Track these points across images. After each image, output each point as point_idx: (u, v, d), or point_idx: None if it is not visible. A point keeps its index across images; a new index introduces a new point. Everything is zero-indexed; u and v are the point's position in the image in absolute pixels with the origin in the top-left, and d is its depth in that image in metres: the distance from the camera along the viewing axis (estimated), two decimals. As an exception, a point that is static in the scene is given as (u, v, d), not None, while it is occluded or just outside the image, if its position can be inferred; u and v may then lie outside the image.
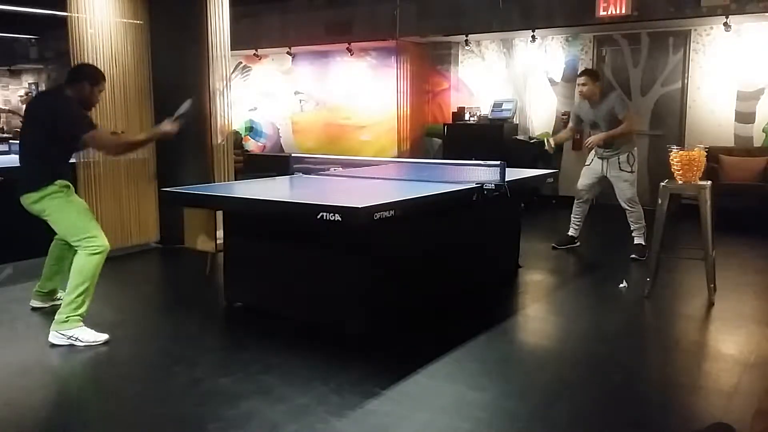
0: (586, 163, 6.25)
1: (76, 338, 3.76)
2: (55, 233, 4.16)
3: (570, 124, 6.44)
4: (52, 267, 4.33)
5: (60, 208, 3.89)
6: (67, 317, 3.77)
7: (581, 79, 5.99)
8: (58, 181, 3.90)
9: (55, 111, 3.88)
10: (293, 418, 2.88)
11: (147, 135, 4.54)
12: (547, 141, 6.21)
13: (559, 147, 8.75)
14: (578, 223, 6.28)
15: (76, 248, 3.88)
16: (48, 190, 3.86)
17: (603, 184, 6.16)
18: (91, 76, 4.07)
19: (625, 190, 5.95)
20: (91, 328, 3.82)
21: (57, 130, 3.86)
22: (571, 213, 6.34)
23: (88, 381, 3.47)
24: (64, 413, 3.13)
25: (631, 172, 5.94)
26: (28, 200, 3.91)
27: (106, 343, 3.79)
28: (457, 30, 9.03)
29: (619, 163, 5.93)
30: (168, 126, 4.16)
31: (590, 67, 8.81)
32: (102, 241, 3.87)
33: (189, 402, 3.09)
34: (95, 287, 3.89)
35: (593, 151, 6.14)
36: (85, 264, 3.81)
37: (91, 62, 5.73)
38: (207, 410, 2.98)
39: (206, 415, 2.94)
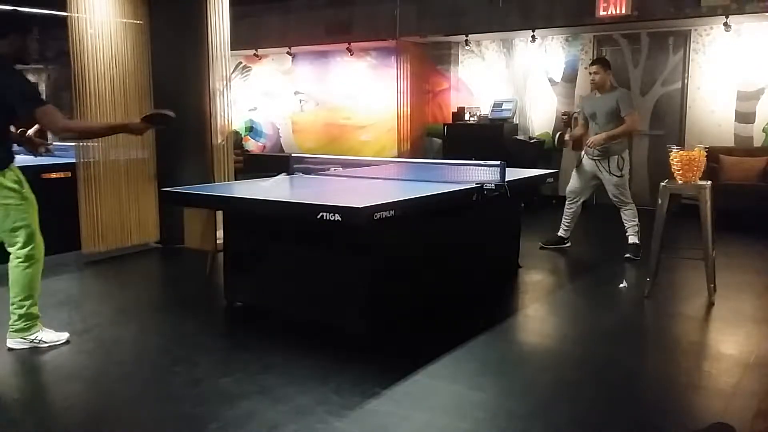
0: (576, 165, 6.24)
1: (40, 340, 3.70)
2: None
3: (580, 120, 6.27)
4: None
5: (13, 205, 3.56)
6: (26, 326, 3.68)
7: (593, 68, 5.94)
8: (13, 166, 3.59)
9: (7, 88, 3.49)
10: (293, 418, 2.88)
11: (108, 124, 4.10)
12: (560, 135, 6.12)
13: (560, 146, 8.79)
14: (569, 224, 6.26)
15: (9, 249, 3.65)
16: (7, 177, 3.53)
17: (595, 183, 6.15)
18: (18, 24, 3.65)
19: (615, 192, 5.95)
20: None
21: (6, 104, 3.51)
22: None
23: (88, 381, 3.46)
24: (64, 413, 3.12)
25: (621, 176, 5.91)
26: None
27: (67, 341, 3.78)
28: (457, 30, 9.02)
29: (609, 166, 5.91)
30: (134, 124, 3.88)
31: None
32: (39, 251, 3.66)
33: (189, 402, 3.08)
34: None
35: (583, 151, 6.12)
36: (25, 278, 3.64)
37: (91, 62, 5.74)
38: (207, 410, 2.98)
39: (206, 415, 2.93)
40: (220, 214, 4.89)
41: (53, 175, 6.26)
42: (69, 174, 5.92)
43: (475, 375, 3.42)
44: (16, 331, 3.69)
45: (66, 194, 5.78)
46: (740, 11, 7.16)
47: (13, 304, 3.68)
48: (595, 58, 6.66)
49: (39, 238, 3.69)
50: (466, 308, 4.58)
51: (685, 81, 8.36)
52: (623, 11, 7.66)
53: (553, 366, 3.65)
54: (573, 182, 6.23)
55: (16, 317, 3.68)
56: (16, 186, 3.58)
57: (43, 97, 3.64)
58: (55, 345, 3.73)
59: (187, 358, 3.61)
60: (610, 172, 5.92)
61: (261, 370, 3.41)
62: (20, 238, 3.62)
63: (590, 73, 6.01)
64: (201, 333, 4.11)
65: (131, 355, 3.76)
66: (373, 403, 3.04)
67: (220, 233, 4.79)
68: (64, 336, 3.79)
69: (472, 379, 3.37)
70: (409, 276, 4.29)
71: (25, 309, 3.67)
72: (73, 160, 5.82)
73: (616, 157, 5.90)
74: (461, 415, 2.96)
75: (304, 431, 2.78)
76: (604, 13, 7.76)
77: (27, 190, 3.67)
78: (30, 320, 3.70)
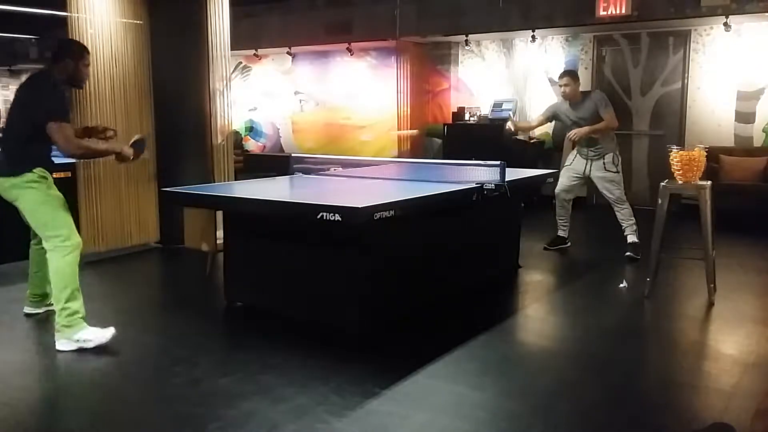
0: (566, 164, 6.25)
1: (85, 339, 3.72)
2: (30, 235, 4.12)
3: (540, 117, 6.40)
4: (36, 274, 4.22)
5: (36, 200, 3.80)
6: (69, 323, 3.72)
7: (563, 80, 5.97)
8: (37, 169, 3.81)
9: (35, 92, 3.80)
10: (293, 418, 2.88)
11: (107, 147, 4.29)
12: (511, 122, 6.25)
13: (558, 146, 8.80)
14: (565, 224, 6.29)
15: (45, 245, 3.80)
16: (25, 178, 3.76)
17: (585, 183, 6.17)
18: (72, 51, 3.98)
19: (612, 189, 5.98)
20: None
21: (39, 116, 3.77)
22: (575, 213, 6.33)
23: (88, 381, 3.46)
24: (64, 413, 3.13)
25: (617, 172, 5.97)
26: (3, 184, 3.81)
27: (113, 336, 3.77)
28: (457, 30, 9.02)
29: (604, 164, 5.97)
30: (127, 148, 4.11)
31: (590, 67, 8.83)
32: (74, 240, 3.80)
33: (189, 402, 3.08)
34: (87, 285, 3.86)
35: (574, 151, 6.16)
36: (61, 266, 3.73)
37: (91, 62, 5.73)
38: (207, 410, 2.98)
39: (206, 415, 2.94)
40: (220, 214, 4.89)
41: (53, 175, 6.26)
42: (69, 174, 5.91)
43: (475, 375, 3.42)
44: (60, 331, 3.73)
45: (66, 194, 5.76)
46: (740, 11, 7.16)
47: (54, 300, 3.78)
48: (564, 69, 6.65)
49: (68, 232, 3.80)
50: (466, 308, 4.58)
51: (685, 81, 8.36)
52: (623, 11, 7.66)
53: (553, 366, 3.65)
54: (563, 182, 6.24)
55: (58, 313, 3.73)
56: (35, 185, 3.79)
57: (67, 116, 3.88)
58: (102, 343, 3.73)
59: (187, 358, 3.61)
60: (605, 169, 5.95)
61: (261, 370, 3.41)
62: (47, 233, 3.78)
63: (560, 86, 6.03)
64: (201, 333, 4.11)
65: (131, 355, 3.76)
66: (373, 403, 3.04)
67: (220, 233, 4.79)
68: (109, 332, 3.78)
69: (472, 379, 3.37)
70: (409, 276, 4.29)
71: (64, 301, 3.71)
72: (73, 160, 5.81)
73: (611, 154, 5.97)
74: (461, 415, 2.96)
75: (304, 431, 2.78)
76: (604, 13, 7.76)
77: (50, 188, 3.88)
78: (71, 316, 3.72)
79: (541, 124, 6.53)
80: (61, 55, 3.93)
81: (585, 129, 5.88)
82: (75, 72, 3.94)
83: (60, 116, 3.76)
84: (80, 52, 4.00)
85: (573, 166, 6.17)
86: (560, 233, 6.30)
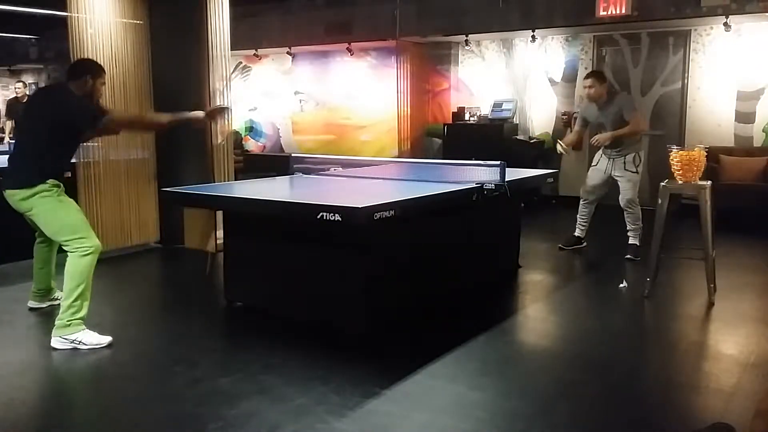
0: (593, 164, 6.22)
1: (80, 341, 3.73)
2: (35, 235, 4.18)
3: (576, 127, 6.35)
4: (40, 270, 4.32)
5: (50, 209, 3.85)
6: (68, 321, 3.73)
7: (588, 81, 5.92)
8: (50, 180, 3.86)
9: (67, 108, 3.86)
10: (293, 418, 2.88)
11: (171, 118, 4.31)
12: (560, 144, 6.16)
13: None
14: (584, 224, 6.26)
15: (65, 249, 3.84)
16: (38, 189, 3.81)
17: (610, 184, 6.15)
18: (91, 69, 4.05)
19: (626, 190, 5.94)
20: (91, 329, 3.81)
21: (71, 126, 3.88)
22: (575, 213, 6.31)
23: (88, 381, 3.46)
24: (64, 413, 3.13)
25: (635, 172, 5.92)
26: (15, 197, 3.86)
27: (109, 345, 3.78)
28: (457, 30, 9.03)
29: (624, 162, 5.92)
30: (200, 114, 4.31)
31: (590, 67, 8.82)
32: (93, 241, 3.84)
33: (189, 402, 3.09)
34: (91, 288, 3.87)
35: (600, 151, 6.12)
36: (77, 266, 3.77)
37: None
38: (207, 410, 2.98)
39: (206, 415, 2.94)
40: (220, 214, 4.89)
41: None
42: (69, 174, 5.91)
43: (475, 375, 3.42)
44: (58, 327, 3.74)
45: (66, 194, 5.77)
46: (740, 11, 7.16)
47: (64, 296, 3.80)
48: (590, 70, 6.59)
49: (87, 233, 3.86)
50: (466, 308, 4.58)
51: (685, 81, 8.36)
52: (623, 11, 7.66)
53: (553, 366, 3.65)
54: (588, 182, 6.22)
55: (63, 310, 3.76)
56: (47, 194, 3.84)
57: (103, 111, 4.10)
58: (95, 348, 3.74)
59: (187, 358, 3.61)
60: (625, 168, 5.91)
61: (261, 370, 3.41)
62: (64, 238, 3.83)
63: (585, 87, 5.98)
64: (201, 333, 4.11)
65: (131, 355, 3.76)
66: (373, 403, 3.05)
67: (220, 233, 4.79)
68: (105, 339, 3.80)
69: (472, 379, 3.37)
70: (409, 276, 4.29)
71: (72, 299, 3.74)
72: (74, 160, 5.81)
73: (633, 153, 5.92)
74: (461, 415, 2.96)
75: (304, 431, 2.79)
76: (604, 13, 7.76)
77: (61, 195, 3.92)
78: (74, 315, 3.74)
79: (580, 133, 6.39)
80: (80, 73, 4.00)
81: (606, 135, 5.83)
82: (92, 90, 4.02)
83: (101, 114, 3.98)
84: (98, 71, 4.09)
85: (598, 166, 6.13)
86: (577, 233, 6.27)
